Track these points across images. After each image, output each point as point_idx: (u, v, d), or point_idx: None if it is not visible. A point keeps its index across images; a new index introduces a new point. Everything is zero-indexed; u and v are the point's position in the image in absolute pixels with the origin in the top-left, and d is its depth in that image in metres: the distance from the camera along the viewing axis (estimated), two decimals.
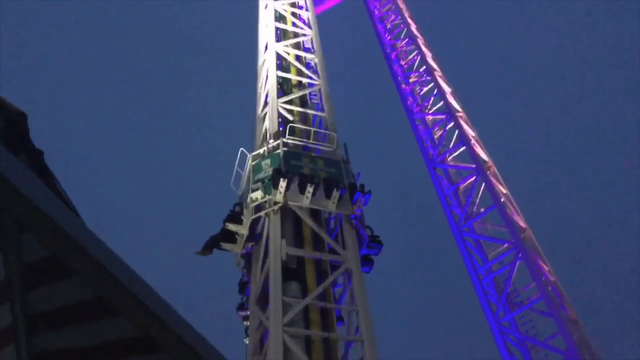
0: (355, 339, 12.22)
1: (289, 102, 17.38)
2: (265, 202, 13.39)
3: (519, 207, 23.80)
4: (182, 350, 2.68)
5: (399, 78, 30.53)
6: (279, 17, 20.83)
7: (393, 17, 33.41)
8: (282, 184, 13.20)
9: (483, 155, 25.44)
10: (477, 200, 23.63)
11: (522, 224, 22.75)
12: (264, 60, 19.06)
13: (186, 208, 68.88)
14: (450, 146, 26.04)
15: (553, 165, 71.19)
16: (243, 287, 14.41)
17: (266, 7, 21.10)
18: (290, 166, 13.86)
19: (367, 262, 14.06)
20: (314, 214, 13.91)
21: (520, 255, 20.79)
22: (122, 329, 2.74)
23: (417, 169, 32.87)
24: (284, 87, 18.36)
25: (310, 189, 13.32)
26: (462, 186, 24.93)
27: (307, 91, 18.09)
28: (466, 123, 26.87)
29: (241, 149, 15.12)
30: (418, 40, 31.08)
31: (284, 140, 14.82)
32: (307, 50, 20.14)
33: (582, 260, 59.99)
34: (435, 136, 27.28)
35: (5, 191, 2.31)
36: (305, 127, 16.26)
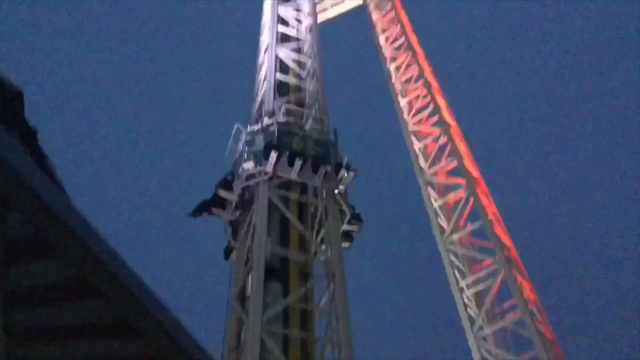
0: (332, 342, 12.58)
1: (288, 102, 17.94)
2: (256, 173, 14.16)
3: (507, 224, 24.00)
4: (161, 336, 2.72)
5: (396, 90, 30.72)
6: (282, 21, 20.96)
7: (394, 30, 33.63)
8: (273, 155, 14.00)
9: (473, 171, 25.64)
10: (465, 215, 23.82)
11: (507, 242, 22.94)
12: (263, 62, 19.20)
13: (176, 177, 68.92)
14: (442, 160, 26.23)
15: (544, 185, 71.75)
16: (228, 254, 15.02)
17: (270, 10, 21.21)
18: (282, 142, 14.56)
19: (347, 237, 15.02)
20: (301, 209, 14.53)
21: (502, 272, 20.98)
22: (102, 312, 2.79)
23: (407, 179, 33.01)
24: (281, 89, 18.72)
25: (298, 163, 14.20)
26: (450, 200, 25.12)
27: (303, 94, 18.64)
28: (459, 138, 27.09)
29: (236, 125, 15.69)
30: (417, 54, 31.30)
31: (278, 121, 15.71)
32: (307, 55, 20.31)
33: (564, 282, 60.44)
34: (428, 150, 27.48)
35: None
36: (299, 109, 17.29)
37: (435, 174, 26.24)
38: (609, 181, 68.60)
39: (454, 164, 25.56)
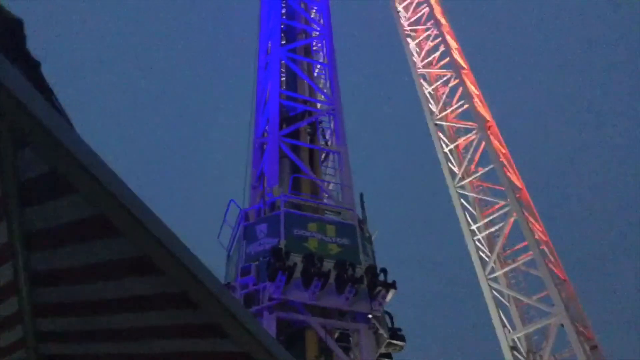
0: None
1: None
2: (259, 291, 10.69)
3: (518, 167, 23.84)
4: (180, 272, 2.68)
5: (405, 31, 29.93)
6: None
7: None
8: (281, 277, 10.49)
9: (485, 114, 25.27)
10: (476, 159, 23.65)
11: (518, 184, 22.85)
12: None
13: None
14: (453, 103, 25.82)
15: (554, 127, 70.90)
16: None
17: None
18: (293, 240, 11.29)
19: (386, 356, 11.95)
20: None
21: (514, 214, 20.97)
22: (122, 249, 2.74)
23: (418, 127, 32.67)
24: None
25: (316, 286, 10.61)
26: (461, 144, 24.89)
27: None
28: (470, 81, 26.54)
29: (231, 201, 12.76)
30: None
31: (289, 198, 12.53)
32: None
33: (576, 223, 60.56)
34: (439, 93, 27.00)
35: (5, 101, 2.24)
36: (311, 177, 14.27)
37: (445, 118, 25.90)
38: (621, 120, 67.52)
39: (465, 107, 25.17)
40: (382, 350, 11.79)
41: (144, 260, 2.67)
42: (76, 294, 3.09)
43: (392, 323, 12.06)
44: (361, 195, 13.94)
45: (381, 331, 11.70)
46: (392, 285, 11.41)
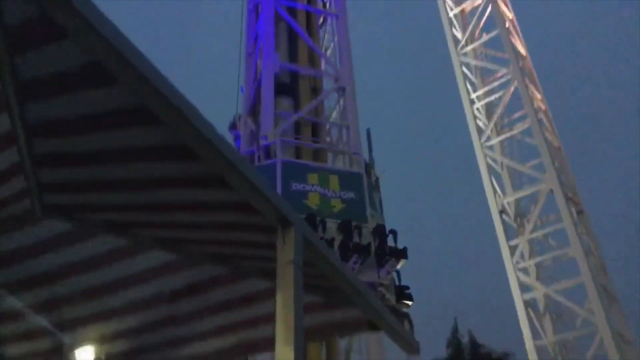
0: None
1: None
2: None
3: (523, 34, 23.02)
4: (179, 121, 2.66)
5: None
6: None
7: None
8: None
9: None
10: (481, 24, 22.72)
11: (523, 51, 22.23)
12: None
13: None
14: None
15: None
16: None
17: None
18: (292, 197, 9.89)
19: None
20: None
21: (515, 82, 20.67)
22: (119, 98, 2.68)
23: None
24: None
25: None
26: (466, 8, 23.75)
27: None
28: None
29: None
30: None
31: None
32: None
33: (577, 91, 60.13)
34: None
35: None
36: (313, 118, 13.05)
37: None
38: None
39: None
40: None
41: (143, 110, 2.63)
42: (76, 145, 3.08)
43: (399, 280, 11.31)
44: (368, 132, 12.68)
45: (388, 296, 10.91)
46: (403, 255, 10.62)
